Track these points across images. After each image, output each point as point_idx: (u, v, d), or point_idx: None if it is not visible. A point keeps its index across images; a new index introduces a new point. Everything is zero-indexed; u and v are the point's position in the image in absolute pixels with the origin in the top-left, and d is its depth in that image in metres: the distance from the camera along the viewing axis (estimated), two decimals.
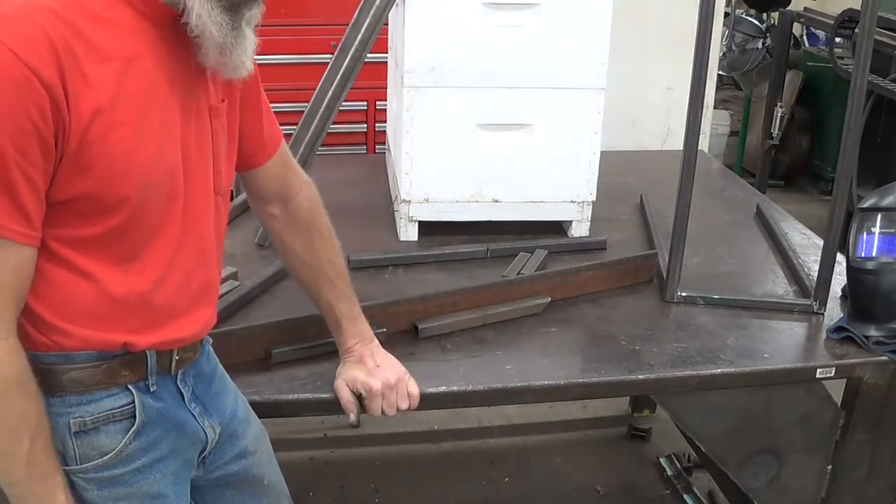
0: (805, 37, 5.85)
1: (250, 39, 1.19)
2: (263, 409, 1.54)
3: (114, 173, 1.11)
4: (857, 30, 2.92)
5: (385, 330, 1.73)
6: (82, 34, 1.07)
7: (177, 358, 1.27)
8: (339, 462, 2.90)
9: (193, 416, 1.31)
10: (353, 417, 1.52)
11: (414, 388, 1.54)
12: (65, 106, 1.05)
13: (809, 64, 5.44)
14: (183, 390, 1.29)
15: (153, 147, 1.15)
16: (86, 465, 1.20)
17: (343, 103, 2.19)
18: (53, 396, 1.17)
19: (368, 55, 2.16)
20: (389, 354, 1.57)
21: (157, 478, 1.26)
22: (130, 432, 1.22)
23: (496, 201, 2.24)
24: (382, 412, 1.52)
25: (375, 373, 1.52)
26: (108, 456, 1.21)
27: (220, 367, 1.43)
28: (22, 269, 1.09)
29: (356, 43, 2.14)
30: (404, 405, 1.53)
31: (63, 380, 1.17)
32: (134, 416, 1.22)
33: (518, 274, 1.99)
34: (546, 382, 1.65)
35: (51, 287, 1.14)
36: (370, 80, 2.59)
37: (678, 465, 2.84)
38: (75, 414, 1.18)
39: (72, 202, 1.11)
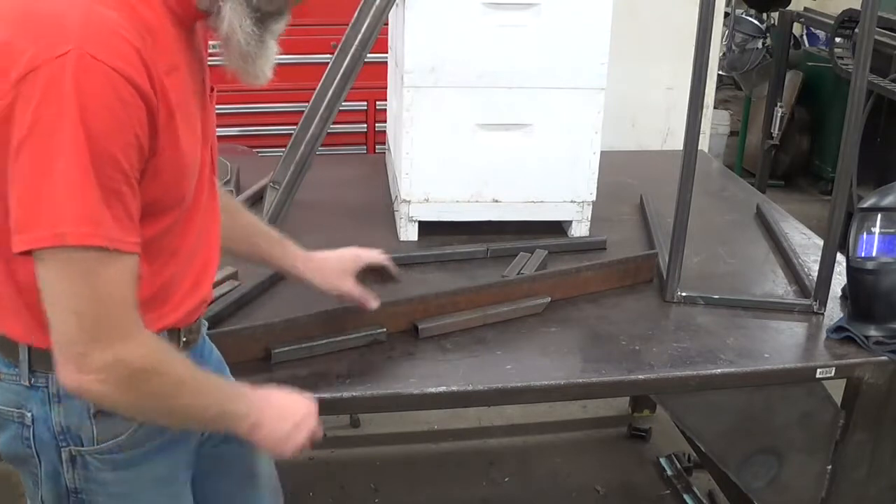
0: (805, 37, 5.84)
1: (273, 50, 1.23)
2: None
3: (175, 177, 1.16)
4: (857, 30, 2.92)
5: (385, 330, 1.73)
6: (149, 46, 1.09)
7: (184, 339, 1.29)
8: (339, 462, 2.90)
9: None
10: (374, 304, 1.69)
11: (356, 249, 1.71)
12: (155, 116, 1.09)
13: (809, 64, 5.43)
14: None
15: (194, 144, 1.20)
16: (101, 446, 1.23)
17: (343, 103, 2.20)
18: None
19: (368, 55, 2.16)
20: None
21: (166, 462, 1.29)
22: None
23: (496, 201, 2.24)
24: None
25: (334, 263, 1.65)
26: (122, 437, 1.23)
27: (217, 351, 1.45)
28: (137, 274, 1.13)
29: (356, 43, 2.14)
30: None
31: None
32: None
33: (518, 274, 1.99)
34: (546, 382, 1.65)
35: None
36: (370, 80, 2.58)
37: (678, 465, 2.84)
38: None
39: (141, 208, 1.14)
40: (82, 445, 1.22)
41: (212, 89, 1.32)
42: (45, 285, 1.07)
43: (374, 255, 1.72)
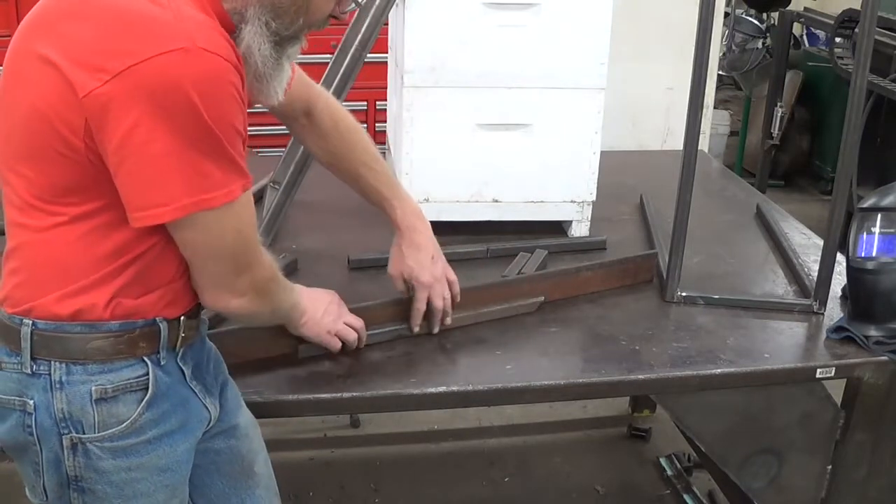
0: (805, 37, 5.84)
1: (286, 73, 1.33)
2: (263, 409, 1.54)
3: None
4: (857, 30, 2.92)
5: (406, 326, 1.75)
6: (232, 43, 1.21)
7: (182, 335, 1.31)
8: (339, 462, 2.90)
9: (195, 392, 1.35)
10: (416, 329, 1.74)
11: (452, 275, 1.77)
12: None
13: (809, 64, 5.44)
14: (184, 368, 1.33)
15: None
16: (103, 433, 1.24)
17: (343, 103, 2.19)
18: (76, 364, 1.23)
19: (368, 55, 2.16)
20: (435, 241, 1.77)
21: (166, 451, 1.30)
22: (144, 402, 1.26)
23: (496, 201, 2.24)
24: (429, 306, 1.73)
25: (430, 267, 1.73)
26: (123, 424, 1.25)
27: (216, 351, 1.46)
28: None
29: (356, 43, 2.14)
30: (447, 293, 1.74)
31: (87, 348, 1.22)
32: (147, 388, 1.27)
33: (518, 274, 1.99)
34: (546, 382, 1.65)
35: (160, 264, 1.25)
36: (370, 80, 2.58)
37: (678, 465, 2.84)
38: (97, 381, 1.23)
39: None
40: (83, 433, 1.24)
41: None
42: (197, 241, 1.22)
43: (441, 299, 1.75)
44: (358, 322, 1.65)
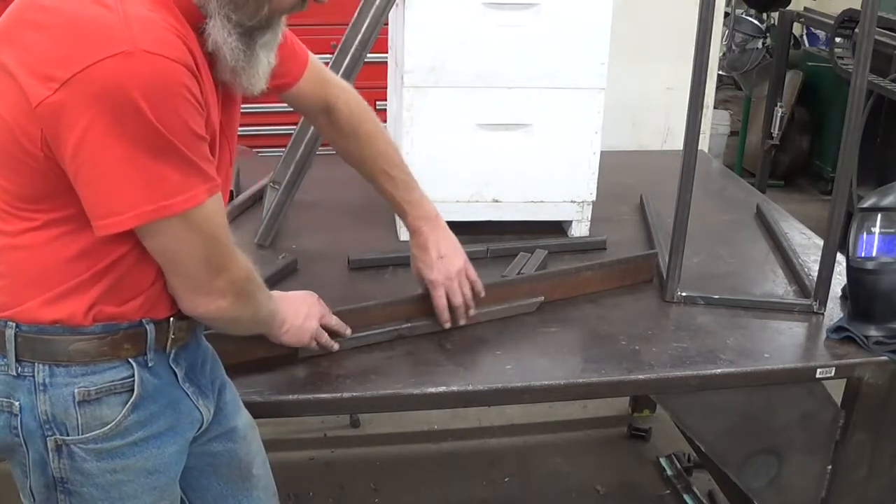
0: (805, 37, 5.84)
1: (265, 62, 1.29)
2: (263, 409, 1.54)
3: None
4: (857, 30, 2.92)
5: (411, 324, 1.75)
6: (188, 38, 1.18)
7: (172, 336, 1.30)
8: (339, 462, 2.90)
9: (187, 394, 1.34)
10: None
11: (473, 274, 1.78)
12: (202, 96, 1.19)
13: (809, 64, 5.44)
14: (176, 370, 1.33)
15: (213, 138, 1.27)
16: (87, 435, 1.24)
17: None
18: (59, 366, 1.22)
19: (368, 55, 2.16)
20: (454, 238, 1.79)
21: (153, 453, 1.30)
22: (129, 404, 1.26)
23: (496, 201, 2.24)
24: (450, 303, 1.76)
25: (437, 265, 1.75)
26: (108, 427, 1.25)
27: (212, 349, 1.46)
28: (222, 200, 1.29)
29: (356, 43, 2.14)
30: (467, 290, 1.76)
31: (70, 350, 1.22)
32: (133, 390, 1.26)
33: (518, 274, 1.99)
34: (546, 382, 1.65)
35: (141, 268, 1.24)
36: (370, 80, 2.58)
37: (678, 465, 2.84)
38: (80, 384, 1.23)
39: None
40: (67, 435, 1.24)
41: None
42: (166, 248, 1.20)
43: (459, 295, 1.77)
44: (329, 320, 1.64)
